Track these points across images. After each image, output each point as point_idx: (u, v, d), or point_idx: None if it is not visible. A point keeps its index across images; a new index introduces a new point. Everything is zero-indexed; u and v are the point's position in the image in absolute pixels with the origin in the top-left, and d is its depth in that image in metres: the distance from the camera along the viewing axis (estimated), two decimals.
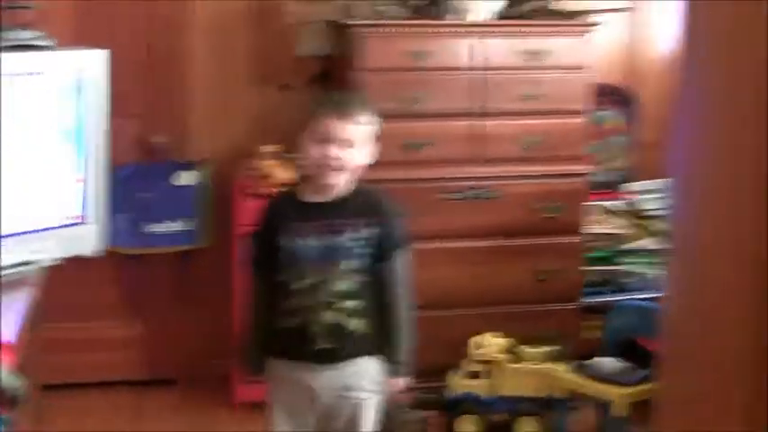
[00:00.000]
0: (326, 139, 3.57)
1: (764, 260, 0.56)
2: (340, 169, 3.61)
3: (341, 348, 3.64)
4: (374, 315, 3.70)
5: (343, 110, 3.62)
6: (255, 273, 3.80)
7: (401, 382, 3.84)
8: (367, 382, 3.72)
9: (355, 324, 3.65)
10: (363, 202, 3.70)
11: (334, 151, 3.57)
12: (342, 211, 3.65)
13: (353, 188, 3.71)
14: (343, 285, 3.62)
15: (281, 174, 5.43)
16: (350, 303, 3.63)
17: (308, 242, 3.61)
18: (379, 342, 3.73)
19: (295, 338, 3.62)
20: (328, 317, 3.60)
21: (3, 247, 3.49)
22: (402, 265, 3.76)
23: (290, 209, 3.71)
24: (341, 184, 3.66)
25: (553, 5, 5.59)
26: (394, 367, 3.77)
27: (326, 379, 3.66)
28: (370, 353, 3.72)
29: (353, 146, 3.61)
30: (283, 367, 3.69)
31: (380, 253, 3.69)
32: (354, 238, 3.63)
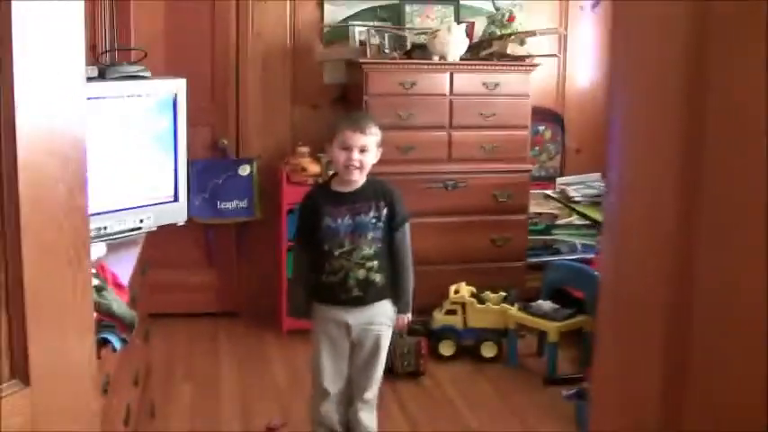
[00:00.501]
0: (348, 147, 3.65)
1: (674, 231, 0.59)
2: (360, 168, 3.68)
3: (367, 295, 3.75)
4: (387, 271, 3.78)
5: (359, 125, 3.69)
6: (300, 245, 3.87)
7: (406, 318, 3.93)
8: (384, 318, 3.83)
9: (377, 278, 3.74)
10: (376, 190, 3.78)
11: (355, 156, 3.65)
12: (363, 198, 3.74)
13: (367, 180, 3.77)
14: (368, 250, 3.71)
15: (312, 167, 5.44)
16: (373, 263, 3.73)
17: (344, 220, 3.69)
18: (391, 290, 3.82)
19: (337, 289, 3.72)
20: (360, 273, 3.71)
21: (119, 218, 3.54)
22: (406, 234, 3.85)
23: (327, 197, 3.76)
24: (360, 178, 3.74)
25: (507, 50, 5.58)
26: (402, 307, 3.87)
27: (357, 317, 3.76)
28: (385, 297, 3.81)
29: (368, 150, 3.69)
30: (327, 310, 3.77)
31: (391, 226, 3.77)
32: (374, 216, 3.72)
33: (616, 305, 0.81)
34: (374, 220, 3.73)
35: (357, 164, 3.67)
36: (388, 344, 3.91)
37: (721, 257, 0.68)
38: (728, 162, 0.67)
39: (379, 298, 3.81)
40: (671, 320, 0.71)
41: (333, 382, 3.83)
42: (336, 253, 3.70)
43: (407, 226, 3.86)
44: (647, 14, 0.76)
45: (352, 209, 3.72)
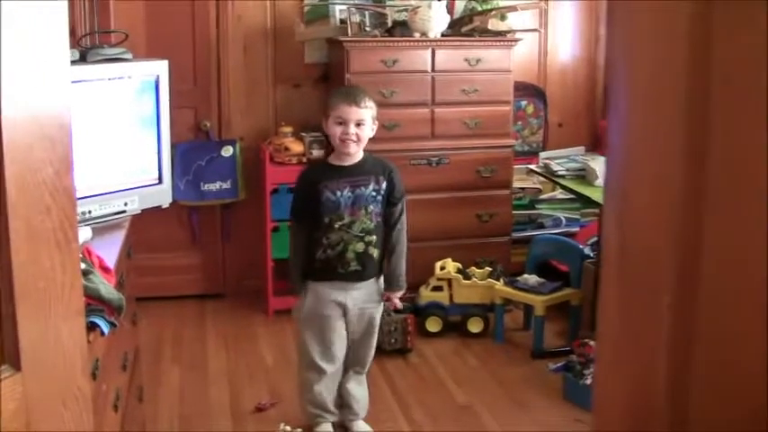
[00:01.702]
0: (345, 121, 3.67)
1: (682, 194, 0.58)
2: (357, 141, 3.69)
3: (365, 270, 3.78)
4: (383, 247, 3.83)
5: (354, 99, 3.69)
6: (296, 221, 3.86)
7: (398, 294, 3.95)
8: (378, 296, 3.88)
9: (375, 253, 3.78)
10: (376, 165, 3.82)
11: (351, 129, 3.66)
12: (363, 172, 3.76)
13: (365, 155, 3.80)
14: (368, 224, 3.75)
15: (295, 147, 5.42)
16: (372, 237, 3.76)
17: (344, 193, 3.70)
18: (382, 266, 3.87)
19: (335, 262, 3.73)
20: (359, 246, 3.74)
21: (104, 201, 3.51)
22: (403, 210, 3.89)
23: (326, 171, 3.78)
24: (357, 152, 3.75)
25: (488, 26, 5.56)
26: (396, 283, 3.90)
27: (354, 296, 3.79)
28: (378, 274, 3.86)
29: (364, 124, 3.70)
30: (323, 288, 3.77)
31: (390, 200, 3.80)
32: (374, 189, 3.75)
33: (621, 272, 0.80)
34: (374, 194, 3.76)
35: (354, 137, 3.68)
36: (378, 321, 3.94)
37: (730, 220, 0.67)
38: (735, 121, 0.66)
39: (375, 274, 3.84)
40: (678, 287, 0.70)
41: (328, 360, 3.83)
42: (336, 225, 3.71)
43: (404, 202, 3.90)
44: None
45: (353, 182, 3.74)
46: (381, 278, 3.89)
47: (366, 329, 3.88)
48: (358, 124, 3.68)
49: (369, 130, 3.74)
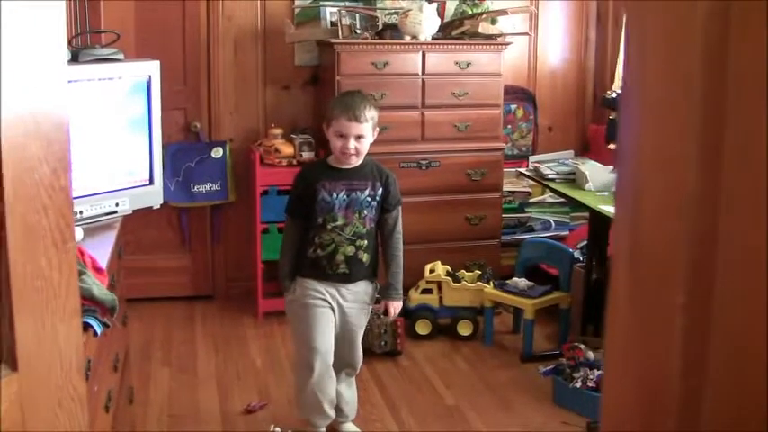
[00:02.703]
0: (345, 136, 3.65)
1: (696, 194, 0.58)
2: (357, 155, 3.69)
3: (353, 273, 3.76)
4: (374, 253, 3.82)
5: (354, 114, 3.63)
6: (290, 217, 3.82)
7: (396, 304, 3.95)
8: (366, 297, 3.86)
9: (365, 257, 3.76)
10: (373, 170, 3.79)
11: (351, 145, 3.65)
12: (360, 176, 3.74)
13: (364, 160, 3.77)
14: (361, 228, 3.73)
15: (285, 148, 5.41)
16: (364, 242, 3.75)
17: (339, 195, 3.69)
18: (374, 272, 3.86)
19: (324, 263, 3.72)
20: (349, 249, 3.72)
21: (95, 202, 3.49)
22: (399, 217, 3.87)
23: (325, 171, 3.75)
24: (358, 162, 3.74)
25: (479, 29, 5.57)
26: (393, 293, 3.92)
27: (342, 294, 3.77)
28: (368, 278, 3.84)
29: (364, 137, 3.68)
30: (312, 284, 3.74)
31: (385, 206, 3.79)
32: (369, 195, 3.73)
33: (632, 274, 0.80)
34: (369, 199, 3.74)
35: (353, 151, 3.67)
36: (365, 323, 3.94)
37: (744, 218, 0.66)
38: (751, 121, 0.66)
39: (363, 277, 3.81)
40: (692, 286, 0.69)
41: (320, 350, 3.74)
42: (329, 227, 3.69)
43: (400, 210, 3.88)
44: None
45: (349, 185, 3.72)
46: (372, 283, 3.88)
47: (353, 329, 3.86)
48: (358, 138, 3.66)
49: (369, 142, 3.73)
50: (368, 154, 3.84)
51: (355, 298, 3.81)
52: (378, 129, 3.80)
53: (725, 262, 0.67)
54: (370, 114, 3.70)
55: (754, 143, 0.65)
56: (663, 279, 0.72)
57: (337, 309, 3.79)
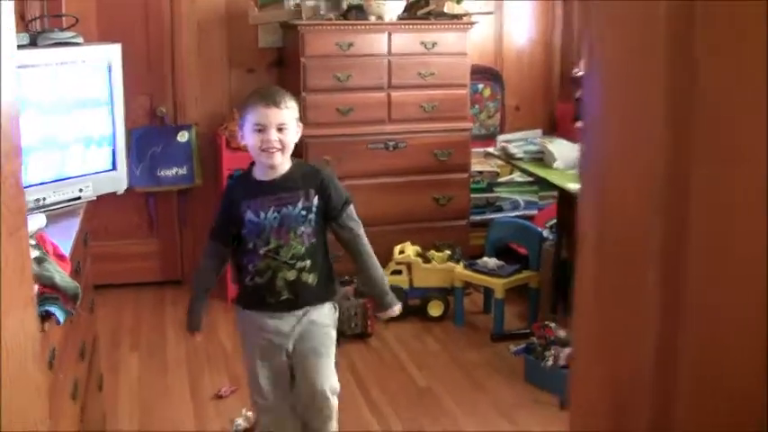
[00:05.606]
0: (264, 127, 3.08)
1: (665, 166, 0.55)
2: (281, 149, 3.10)
3: (299, 298, 3.19)
4: (324, 269, 3.24)
5: (273, 99, 3.10)
6: (210, 239, 3.32)
7: (396, 309, 3.41)
8: (326, 319, 3.29)
9: (310, 278, 3.18)
10: (305, 175, 3.21)
11: (273, 136, 3.07)
12: (289, 187, 3.16)
13: (293, 164, 3.21)
14: (299, 248, 3.15)
15: None
16: (305, 262, 3.16)
17: (268, 214, 3.13)
18: (327, 289, 3.29)
19: (264, 292, 3.18)
20: (289, 274, 3.15)
21: (58, 188, 3.43)
22: (352, 218, 3.29)
23: (247, 189, 3.20)
24: (283, 162, 3.16)
25: (444, 9, 5.53)
26: (387, 300, 3.36)
27: (291, 322, 3.21)
28: (322, 300, 3.26)
29: (287, 128, 3.11)
30: (256, 317, 3.25)
31: (330, 215, 3.22)
32: (304, 207, 3.15)
33: (599, 252, 0.76)
34: (304, 212, 3.16)
35: (277, 144, 3.10)
36: (333, 350, 3.34)
37: (717, 193, 0.63)
38: (721, 99, 0.63)
39: (315, 301, 3.25)
40: (663, 265, 0.66)
41: (275, 396, 3.31)
42: (261, 252, 3.16)
43: (351, 208, 3.29)
44: None
45: (278, 200, 3.15)
46: (329, 302, 3.31)
47: (313, 360, 3.28)
48: (280, 129, 3.09)
49: (293, 135, 3.15)
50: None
51: (310, 325, 3.24)
52: (301, 125, 3.23)
53: (696, 241, 0.64)
54: (291, 104, 3.16)
55: (722, 117, 0.62)
56: (631, 259, 0.69)
57: (292, 343, 3.25)
